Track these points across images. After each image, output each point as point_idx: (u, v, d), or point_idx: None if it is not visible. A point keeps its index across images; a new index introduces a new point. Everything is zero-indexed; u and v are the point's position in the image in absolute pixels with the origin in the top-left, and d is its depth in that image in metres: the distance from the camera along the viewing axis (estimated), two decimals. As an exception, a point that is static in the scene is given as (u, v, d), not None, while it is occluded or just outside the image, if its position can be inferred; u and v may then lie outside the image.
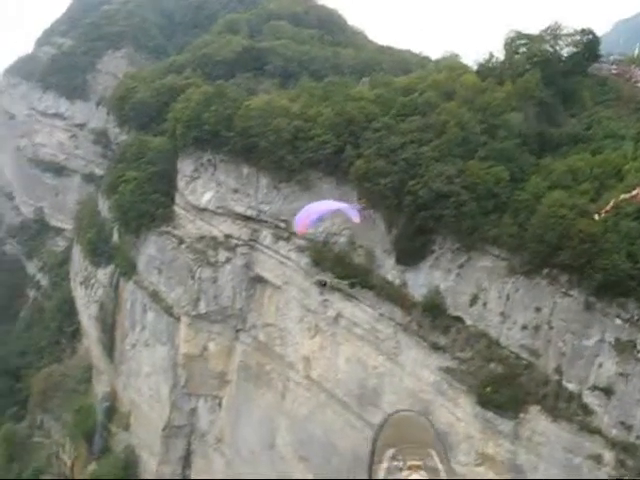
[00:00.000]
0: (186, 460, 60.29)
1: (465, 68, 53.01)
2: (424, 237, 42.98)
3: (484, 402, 38.45)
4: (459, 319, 41.01)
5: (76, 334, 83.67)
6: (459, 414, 40.16)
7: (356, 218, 27.91)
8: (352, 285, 46.88)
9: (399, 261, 44.48)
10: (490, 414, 38.43)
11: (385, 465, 3.29)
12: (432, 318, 41.98)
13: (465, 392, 39.74)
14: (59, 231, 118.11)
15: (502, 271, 39.81)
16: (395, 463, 3.27)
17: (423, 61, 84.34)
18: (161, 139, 63.12)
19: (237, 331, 55.86)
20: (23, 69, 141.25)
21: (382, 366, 45.46)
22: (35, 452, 76.22)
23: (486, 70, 50.10)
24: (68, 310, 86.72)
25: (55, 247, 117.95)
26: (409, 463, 3.25)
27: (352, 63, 75.01)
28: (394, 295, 44.52)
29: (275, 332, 52.86)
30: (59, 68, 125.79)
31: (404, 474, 3.22)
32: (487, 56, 51.05)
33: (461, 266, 41.49)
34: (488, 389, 38.13)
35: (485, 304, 40.12)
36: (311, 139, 49.11)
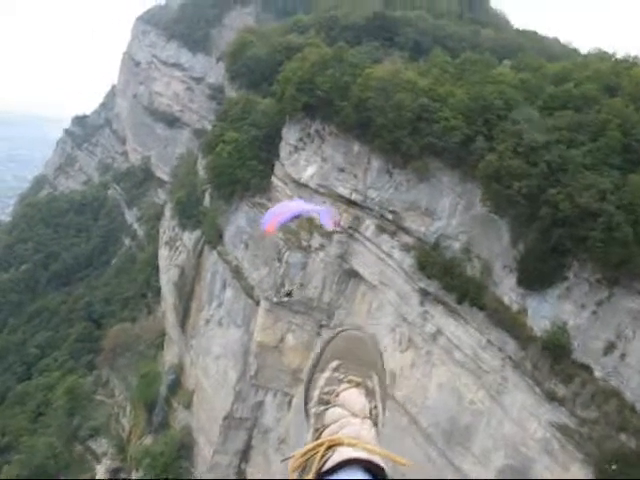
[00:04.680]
0: (244, 454, 55.13)
1: (636, 60, 43.78)
2: (557, 259, 34.94)
3: (606, 480, 30.53)
4: (587, 368, 32.92)
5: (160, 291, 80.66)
6: (569, 484, 32.41)
7: (329, 225, 26.14)
8: (460, 300, 39.55)
9: (521, 282, 36.69)
10: (612, 497, 30.42)
11: (327, 374, 3.20)
12: (552, 360, 34.10)
13: (581, 461, 31.78)
14: (162, 183, 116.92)
15: (653, 318, 31.61)
16: (336, 374, 3.18)
17: (571, 53, 74.85)
18: (269, 101, 57.35)
19: (320, 326, 49.67)
20: (154, 17, 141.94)
21: (480, 403, 38.04)
22: (96, 410, 73.87)
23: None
24: (157, 265, 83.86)
25: (155, 198, 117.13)
26: (349, 377, 3.16)
27: (492, 44, 66.77)
28: (509, 322, 36.86)
29: (362, 336, 46.34)
30: (185, 18, 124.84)
31: (342, 387, 3.14)
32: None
33: (599, 303, 33.34)
34: (613, 467, 30.01)
35: (623, 356, 31.94)
36: (437, 122, 41.68)
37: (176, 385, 63.83)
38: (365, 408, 3.09)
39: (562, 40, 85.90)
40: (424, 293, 41.75)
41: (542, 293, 35.67)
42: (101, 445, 70.74)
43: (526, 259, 36.46)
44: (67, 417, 73.80)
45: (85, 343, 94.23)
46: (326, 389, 3.17)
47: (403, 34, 66.41)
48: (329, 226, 26.19)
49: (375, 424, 3.08)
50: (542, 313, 35.52)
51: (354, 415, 3.04)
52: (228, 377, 54.51)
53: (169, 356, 68.01)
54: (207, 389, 58.01)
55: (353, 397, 3.11)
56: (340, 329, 3.41)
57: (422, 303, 41.90)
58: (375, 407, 3.14)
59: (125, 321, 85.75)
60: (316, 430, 3.10)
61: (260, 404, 53.17)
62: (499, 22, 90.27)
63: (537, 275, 35.82)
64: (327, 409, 3.10)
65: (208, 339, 58.39)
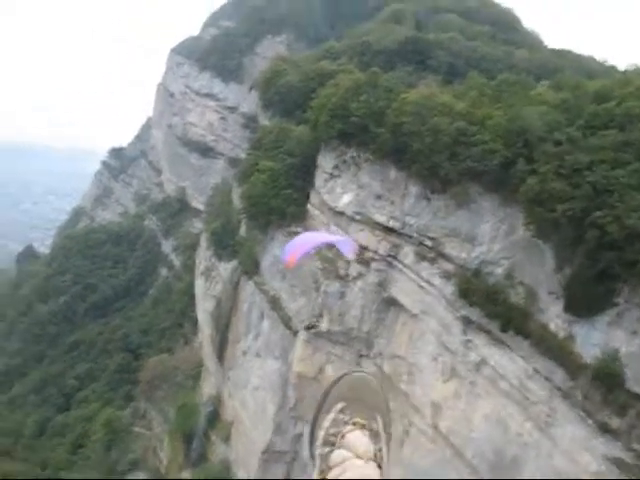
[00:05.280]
0: (283, 488, 53.94)
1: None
2: (606, 284, 33.54)
3: (668, 518, 28.92)
4: (642, 398, 31.54)
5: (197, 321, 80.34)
6: (626, 521, 30.74)
7: (351, 254, 25.50)
8: (504, 328, 38.27)
9: (568, 309, 35.32)
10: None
11: (332, 416, 3.32)
12: (604, 390, 32.62)
13: (639, 496, 30.31)
14: (197, 213, 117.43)
15: None
16: (341, 416, 3.31)
17: (609, 70, 73.27)
18: (303, 128, 56.93)
19: (360, 356, 48.59)
20: (187, 49, 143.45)
21: (528, 435, 36.52)
22: (134, 442, 73.37)
23: None
24: (194, 295, 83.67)
25: (191, 228, 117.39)
26: (354, 419, 3.29)
27: (527, 65, 65.71)
28: (556, 350, 35.44)
29: (403, 366, 45.12)
30: (217, 49, 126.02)
31: (347, 428, 3.27)
32: None
33: (653, 329, 31.96)
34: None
35: (681, 385, 30.52)
36: (475, 146, 40.72)
37: (214, 417, 62.97)
38: (370, 450, 3.19)
39: (598, 58, 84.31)
40: (466, 321, 40.53)
41: (591, 320, 34.23)
42: (139, 478, 70.19)
43: (572, 284, 35.12)
44: (105, 450, 73.44)
45: (123, 374, 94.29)
46: (331, 430, 3.25)
47: (436, 57, 65.84)
48: (351, 255, 27.25)
49: (379, 466, 3.17)
50: (591, 340, 34.07)
51: (359, 457, 3.12)
52: (267, 409, 53.54)
53: (207, 387, 67.27)
54: (245, 421, 57.06)
55: (358, 439, 3.21)
56: (345, 372, 3.52)
57: (465, 332, 40.65)
58: (380, 449, 3.24)
59: (162, 352, 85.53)
60: (321, 471, 3.16)
61: (299, 437, 52.02)
62: (533, 42, 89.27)
63: (585, 301, 34.44)
64: (332, 450, 3.18)
65: (246, 370, 57.54)
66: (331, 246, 33.87)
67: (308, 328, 49.15)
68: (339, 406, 3.32)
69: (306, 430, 51.52)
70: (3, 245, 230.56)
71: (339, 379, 3.44)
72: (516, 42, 79.96)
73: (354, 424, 3.25)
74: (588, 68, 71.82)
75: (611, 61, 77.23)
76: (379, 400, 3.40)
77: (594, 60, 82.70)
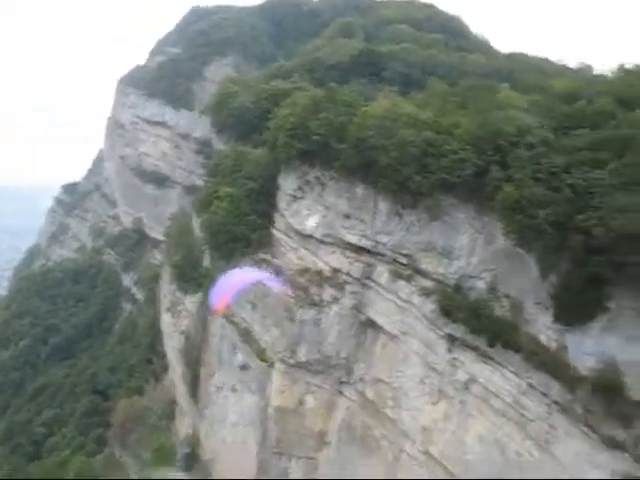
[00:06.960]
0: (271, 528, 51.14)
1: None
2: (595, 289, 31.91)
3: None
4: (646, 407, 29.88)
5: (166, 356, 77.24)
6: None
7: (279, 288, 28.75)
8: (491, 343, 36.50)
9: (558, 318, 33.61)
10: None
11: None
12: (605, 401, 30.97)
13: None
14: (157, 243, 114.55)
15: None
16: None
17: (562, 70, 72.98)
18: (261, 151, 54.95)
19: (340, 383, 46.40)
20: (134, 78, 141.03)
21: (528, 454, 34.59)
22: (109, 492, 69.60)
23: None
24: (160, 329, 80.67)
25: (152, 260, 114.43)
26: None
27: (482, 71, 64.88)
28: (549, 363, 33.72)
29: (387, 391, 43.03)
30: (165, 75, 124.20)
31: None
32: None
33: (648, 333, 30.39)
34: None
35: (685, 390, 28.97)
36: (445, 156, 39.10)
37: (192, 458, 59.89)
38: None
39: (551, 58, 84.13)
40: (451, 339, 38.74)
41: (582, 328, 32.54)
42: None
43: (560, 293, 33.50)
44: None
45: (93, 417, 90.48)
46: None
47: (391, 68, 64.75)
48: (279, 290, 29.56)
49: None
50: (585, 350, 32.35)
51: None
52: (248, 446, 50.88)
53: (182, 427, 64.21)
54: (226, 460, 54.11)
55: None
56: None
57: (450, 350, 38.82)
58: None
59: (132, 391, 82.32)
60: None
61: (284, 472, 49.34)
62: (483, 47, 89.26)
63: (574, 309, 32.81)
64: None
65: (222, 407, 54.72)
66: (261, 283, 32.93)
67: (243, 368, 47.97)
68: None
69: (293, 464, 49.24)
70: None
71: None
72: (468, 48, 79.65)
73: None
74: (543, 69, 71.50)
75: (557, 58, 76.61)
76: None
77: (547, 61, 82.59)
